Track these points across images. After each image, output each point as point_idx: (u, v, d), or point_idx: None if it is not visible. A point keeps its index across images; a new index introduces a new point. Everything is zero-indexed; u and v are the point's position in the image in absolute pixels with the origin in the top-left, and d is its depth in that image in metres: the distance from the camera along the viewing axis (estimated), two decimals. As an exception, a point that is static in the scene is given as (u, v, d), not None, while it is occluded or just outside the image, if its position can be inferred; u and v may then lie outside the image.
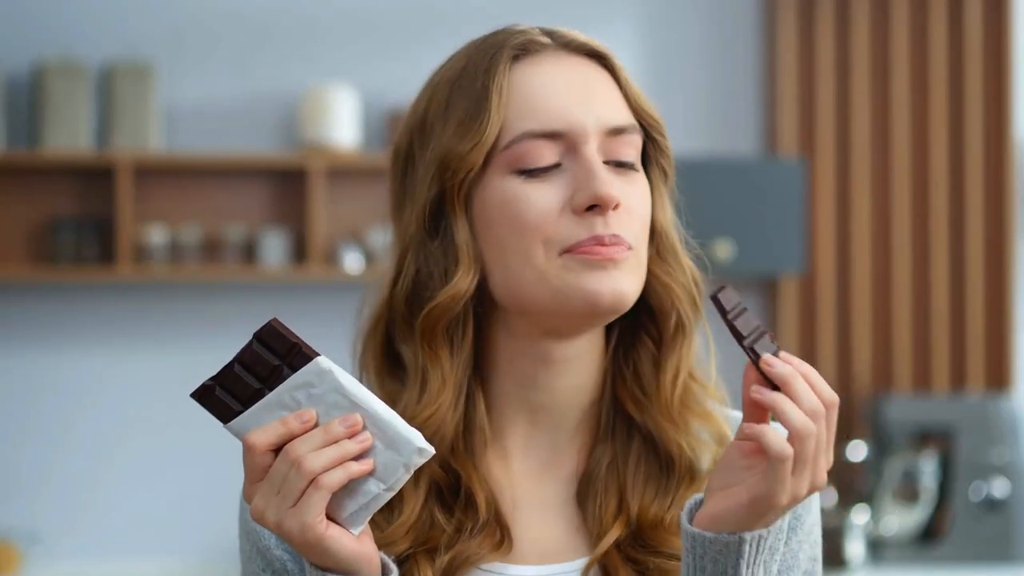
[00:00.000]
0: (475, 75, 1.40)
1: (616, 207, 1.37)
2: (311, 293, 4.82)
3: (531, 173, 1.38)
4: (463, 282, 1.39)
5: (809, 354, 5.00)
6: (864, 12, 5.00)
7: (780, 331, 4.96)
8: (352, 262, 4.68)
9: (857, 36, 5.01)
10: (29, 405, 4.81)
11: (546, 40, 1.42)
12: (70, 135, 4.65)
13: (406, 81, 4.41)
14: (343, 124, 4.74)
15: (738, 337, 1.29)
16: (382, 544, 1.36)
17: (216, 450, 4.26)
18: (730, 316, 1.29)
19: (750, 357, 1.29)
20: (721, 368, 1.50)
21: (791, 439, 1.26)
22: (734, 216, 4.78)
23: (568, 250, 1.37)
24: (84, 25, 4.82)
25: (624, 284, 1.38)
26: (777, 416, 1.27)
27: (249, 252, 4.77)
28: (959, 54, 5.03)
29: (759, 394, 1.27)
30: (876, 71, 5.02)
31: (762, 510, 1.28)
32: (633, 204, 1.40)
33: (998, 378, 5.03)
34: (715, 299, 1.29)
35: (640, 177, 1.42)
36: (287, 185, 4.84)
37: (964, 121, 5.02)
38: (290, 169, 4.79)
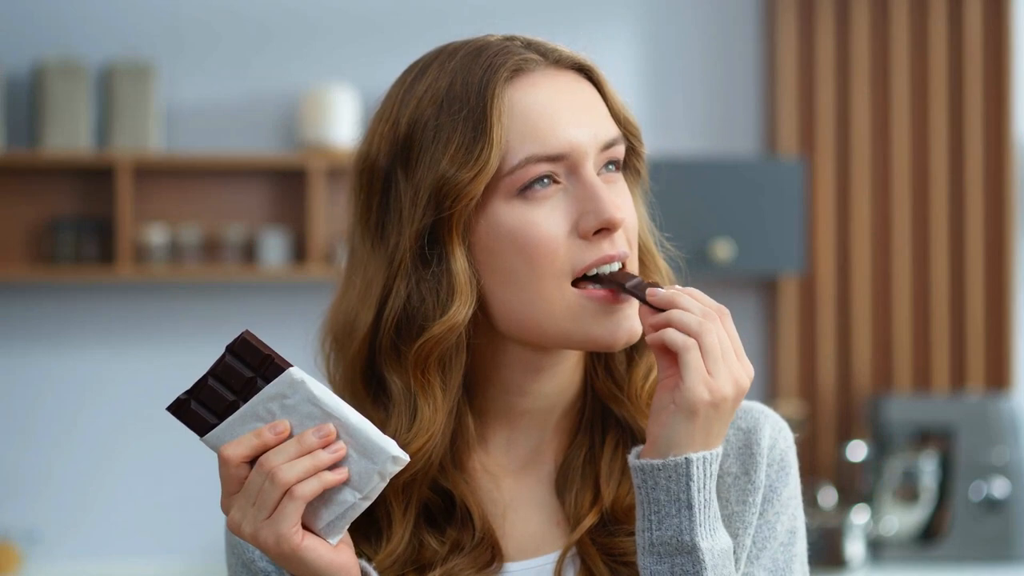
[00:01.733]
0: (466, 97, 1.37)
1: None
2: (311, 293, 4.83)
3: (534, 192, 1.36)
4: (460, 313, 1.37)
5: (809, 354, 4.99)
6: (864, 12, 4.99)
7: (780, 331, 4.96)
8: (352, 262, 4.68)
9: (857, 36, 5.00)
10: (29, 405, 4.81)
11: (536, 57, 1.40)
12: (70, 135, 4.65)
13: (406, 81, 4.40)
14: (343, 124, 4.74)
15: (619, 286, 1.36)
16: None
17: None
18: (607, 274, 1.37)
19: (636, 296, 1.35)
20: None
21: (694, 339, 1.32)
22: (734, 216, 4.78)
23: (579, 276, 1.37)
24: (84, 25, 4.82)
25: (636, 321, 1.39)
26: (673, 325, 1.32)
27: (249, 252, 4.78)
28: (959, 54, 5.02)
29: (653, 318, 1.34)
30: (876, 71, 5.01)
31: (690, 406, 1.30)
32: (628, 213, 1.41)
33: (998, 378, 5.03)
34: (619, 284, 1.37)
35: (623, 181, 1.43)
36: (287, 185, 4.84)
37: (964, 121, 5.01)
38: (290, 169, 4.79)
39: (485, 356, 1.43)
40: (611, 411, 1.46)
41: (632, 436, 1.45)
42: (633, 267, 1.41)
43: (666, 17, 5.03)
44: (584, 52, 1.44)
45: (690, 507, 1.32)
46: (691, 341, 1.31)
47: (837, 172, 5.01)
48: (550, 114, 1.38)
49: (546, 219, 1.36)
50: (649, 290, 1.35)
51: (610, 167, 1.41)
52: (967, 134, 5.01)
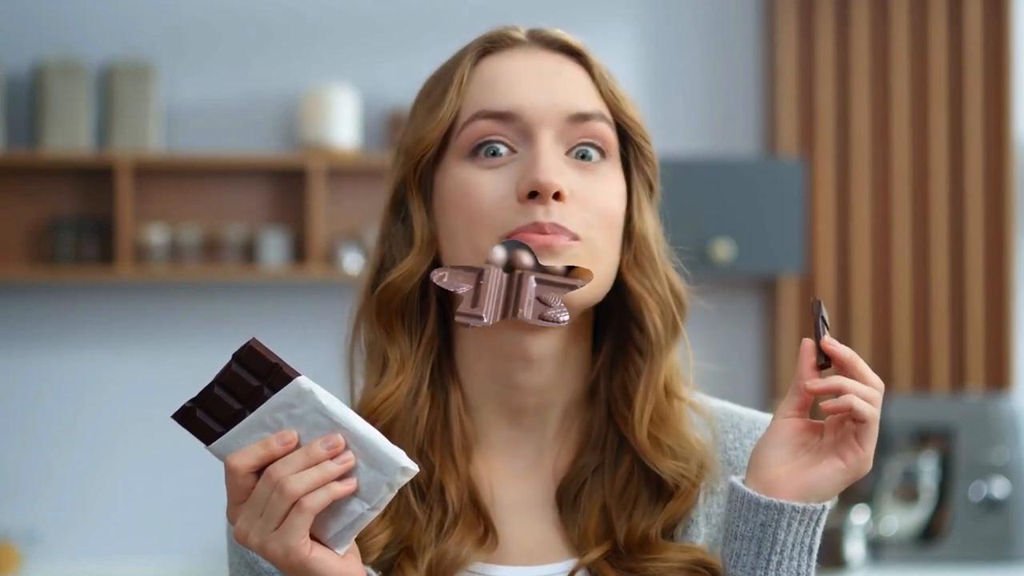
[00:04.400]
0: (449, 69, 1.43)
1: (559, 196, 1.36)
2: (311, 293, 4.82)
3: (484, 158, 1.38)
4: (412, 261, 1.41)
5: (809, 354, 4.99)
6: (864, 12, 4.99)
7: (780, 331, 4.96)
8: (352, 262, 4.68)
9: (857, 36, 5.00)
10: (29, 405, 4.81)
11: (520, 36, 1.44)
12: (70, 135, 4.65)
13: (406, 81, 4.40)
14: (343, 124, 4.74)
15: (817, 334, 1.34)
16: (360, 539, 1.36)
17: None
18: (822, 320, 1.34)
19: (817, 330, 1.33)
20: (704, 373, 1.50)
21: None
22: (734, 216, 4.78)
23: (508, 236, 1.36)
24: (84, 25, 4.81)
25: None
26: (857, 394, 1.29)
27: (249, 252, 4.77)
28: (959, 54, 5.02)
29: (822, 382, 1.31)
30: (876, 71, 5.01)
31: (858, 472, 1.31)
32: (588, 195, 1.39)
33: (998, 378, 5.03)
34: (817, 303, 1.34)
35: (609, 169, 1.42)
36: (287, 185, 4.84)
37: (964, 121, 5.01)
38: (290, 169, 4.79)
39: (465, 338, 1.43)
40: (626, 438, 1.44)
41: (644, 467, 1.43)
42: (593, 252, 1.37)
43: (666, 17, 5.03)
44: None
45: (810, 552, 1.34)
46: (875, 412, 1.30)
47: (837, 172, 5.01)
48: (511, 78, 1.40)
49: (490, 181, 1.38)
50: (827, 337, 1.33)
51: (589, 153, 1.40)
52: (967, 134, 5.01)
